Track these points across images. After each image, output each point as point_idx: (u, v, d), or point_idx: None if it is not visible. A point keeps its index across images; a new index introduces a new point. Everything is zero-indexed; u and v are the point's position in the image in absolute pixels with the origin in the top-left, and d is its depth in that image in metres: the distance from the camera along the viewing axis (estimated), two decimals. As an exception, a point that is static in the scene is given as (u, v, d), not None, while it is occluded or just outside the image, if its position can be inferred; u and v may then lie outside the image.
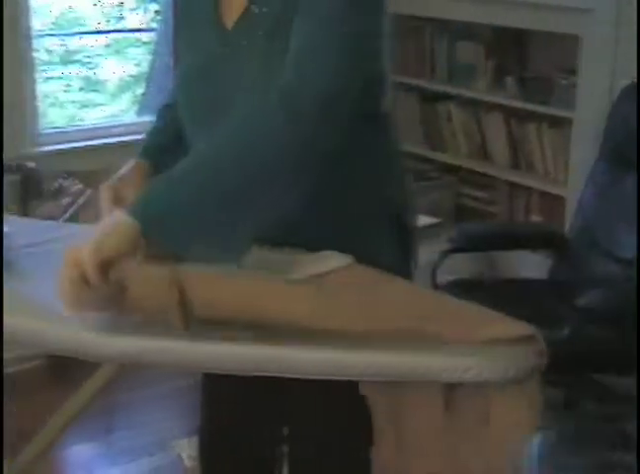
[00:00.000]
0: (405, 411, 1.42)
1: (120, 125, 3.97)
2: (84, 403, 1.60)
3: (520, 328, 1.31)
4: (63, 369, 3.09)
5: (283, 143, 1.37)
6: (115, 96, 4.23)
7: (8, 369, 3.22)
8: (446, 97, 4.17)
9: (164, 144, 1.70)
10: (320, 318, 1.31)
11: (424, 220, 3.54)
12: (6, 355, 3.20)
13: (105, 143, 3.81)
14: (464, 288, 2.92)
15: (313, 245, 1.48)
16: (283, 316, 1.31)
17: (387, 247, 1.59)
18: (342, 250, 1.48)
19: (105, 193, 1.56)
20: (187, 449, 2.77)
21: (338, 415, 1.58)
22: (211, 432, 1.91)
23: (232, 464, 1.91)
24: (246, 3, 1.49)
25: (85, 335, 1.34)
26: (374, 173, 1.57)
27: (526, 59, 3.92)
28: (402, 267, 1.59)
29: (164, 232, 1.34)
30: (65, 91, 4.12)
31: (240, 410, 1.84)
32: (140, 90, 4.19)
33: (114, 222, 1.34)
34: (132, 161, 1.65)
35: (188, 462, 2.74)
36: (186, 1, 1.63)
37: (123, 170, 1.62)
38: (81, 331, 1.34)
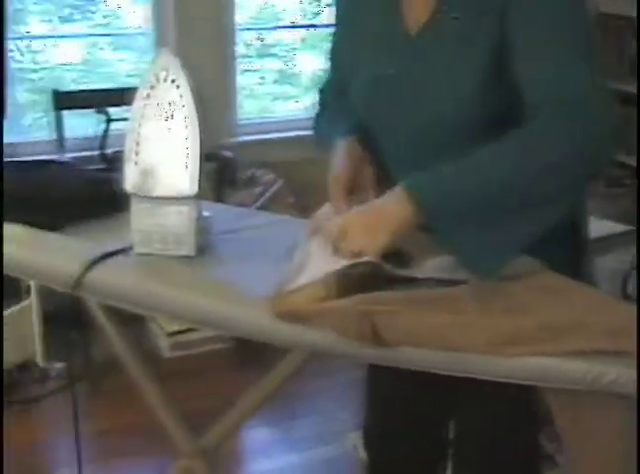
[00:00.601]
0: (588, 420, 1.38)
1: (311, 118, 4.02)
2: (273, 388, 1.63)
3: None
4: (250, 353, 3.19)
5: (579, 162, 1.34)
6: (307, 89, 4.30)
7: (194, 350, 3.36)
8: (647, 100, 3.99)
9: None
10: (498, 346, 1.29)
11: (615, 228, 3.41)
12: (193, 336, 3.34)
13: (296, 135, 3.89)
14: (656, 299, 2.80)
15: None
16: (466, 348, 1.30)
17: (563, 254, 1.55)
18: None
19: (338, 184, 1.53)
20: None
21: (507, 419, 1.55)
22: (376, 428, 1.93)
23: (396, 462, 1.91)
24: (433, 8, 1.48)
25: (277, 322, 1.37)
26: None
27: None
28: (578, 274, 1.54)
29: (442, 221, 1.34)
30: (260, 83, 4.23)
31: (404, 408, 1.84)
32: (332, 84, 4.24)
33: (396, 203, 1.36)
34: (343, 143, 1.58)
35: (363, 455, 2.75)
36: (358, 6, 1.62)
37: (341, 157, 1.57)
38: (273, 317, 1.37)
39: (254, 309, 1.39)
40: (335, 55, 1.74)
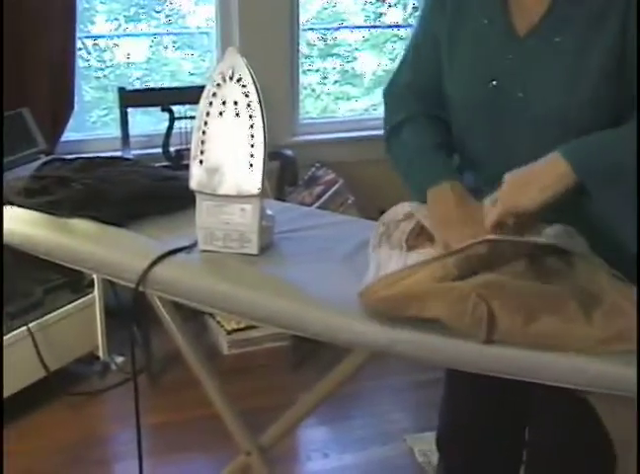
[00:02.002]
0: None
1: (372, 119, 4.03)
2: (332, 388, 1.63)
3: None
4: (307, 351, 3.21)
5: None
6: (369, 90, 4.29)
7: (252, 348, 3.39)
8: None
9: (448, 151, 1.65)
10: (609, 344, 1.29)
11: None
12: (252, 334, 3.36)
13: (358, 136, 3.88)
14: None
15: None
16: (577, 347, 1.30)
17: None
18: None
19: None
20: (419, 444, 2.77)
21: (581, 424, 1.53)
22: (451, 429, 1.92)
23: (469, 464, 1.91)
24: (547, 7, 1.46)
25: (343, 321, 1.37)
26: None
27: None
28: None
29: (596, 185, 1.37)
30: (321, 83, 4.23)
31: (481, 410, 1.83)
32: (393, 85, 4.23)
33: (549, 162, 1.39)
34: (445, 187, 1.55)
35: (419, 457, 2.74)
36: (455, 8, 1.59)
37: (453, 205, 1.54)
38: (335, 315, 1.37)
39: (317, 308, 1.39)
40: (418, 57, 1.69)
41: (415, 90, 1.69)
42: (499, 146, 1.55)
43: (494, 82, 1.52)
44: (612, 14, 1.39)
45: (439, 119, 1.65)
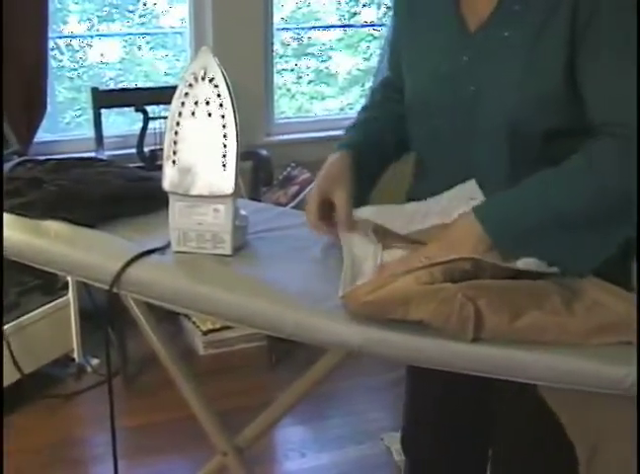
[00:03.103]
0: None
1: (347, 118, 4.02)
2: (308, 387, 1.63)
3: None
4: (282, 351, 3.21)
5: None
6: (344, 89, 4.30)
7: (228, 348, 3.38)
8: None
9: (371, 138, 1.69)
10: (597, 335, 1.30)
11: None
12: (227, 335, 3.36)
13: (333, 135, 3.88)
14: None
15: None
16: (566, 340, 1.31)
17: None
18: None
19: (313, 198, 1.62)
20: (396, 443, 2.78)
21: (546, 420, 1.54)
22: (414, 430, 1.92)
23: (434, 465, 1.91)
24: (496, 4, 1.46)
25: (319, 321, 1.36)
26: None
27: None
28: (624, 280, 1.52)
29: (507, 243, 1.40)
30: (296, 83, 4.23)
31: (442, 410, 1.83)
32: (369, 84, 4.24)
33: (462, 223, 1.43)
34: (334, 156, 1.66)
35: (396, 456, 2.75)
36: (415, 7, 1.60)
37: (326, 168, 1.66)
38: (311, 315, 1.37)
39: (293, 308, 1.38)
40: (391, 56, 1.72)
41: (386, 88, 1.74)
42: (454, 147, 1.55)
43: (445, 79, 1.52)
44: (562, 9, 1.38)
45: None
